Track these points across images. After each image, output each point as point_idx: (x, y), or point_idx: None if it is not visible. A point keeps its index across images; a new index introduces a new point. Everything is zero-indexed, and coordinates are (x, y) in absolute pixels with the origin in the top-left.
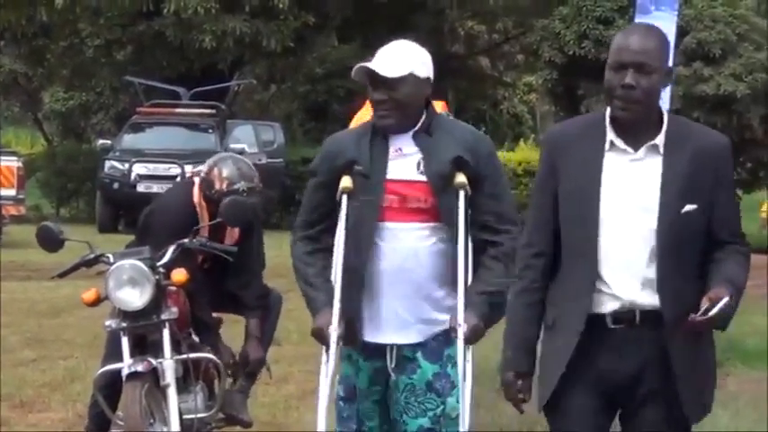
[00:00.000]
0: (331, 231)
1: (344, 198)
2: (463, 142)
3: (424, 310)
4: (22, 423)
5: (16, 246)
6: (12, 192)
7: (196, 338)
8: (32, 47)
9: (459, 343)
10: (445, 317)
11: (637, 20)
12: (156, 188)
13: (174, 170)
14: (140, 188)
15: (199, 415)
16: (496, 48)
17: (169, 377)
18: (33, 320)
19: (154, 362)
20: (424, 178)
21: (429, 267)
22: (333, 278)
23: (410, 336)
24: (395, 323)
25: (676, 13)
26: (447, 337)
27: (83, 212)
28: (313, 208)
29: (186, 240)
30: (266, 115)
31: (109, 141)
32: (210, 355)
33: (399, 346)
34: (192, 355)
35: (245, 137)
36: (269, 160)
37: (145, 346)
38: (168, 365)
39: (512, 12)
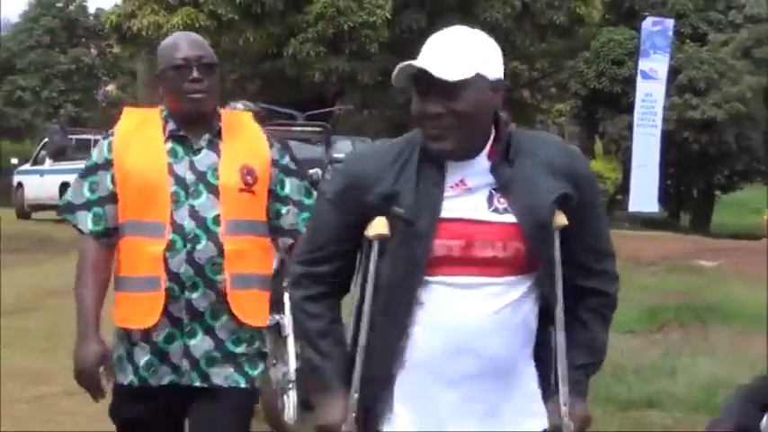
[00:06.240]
0: (346, 271)
1: (376, 246)
2: (558, 165)
3: (497, 399)
4: None
5: None
6: None
7: None
8: None
9: None
10: (529, 405)
11: (640, 61)
12: None
13: None
14: None
15: None
16: (535, 83)
17: (288, 329)
18: None
19: (277, 317)
20: (505, 219)
21: (506, 337)
22: (349, 340)
23: None
24: (452, 419)
25: (668, 56)
26: None
27: None
28: (323, 243)
29: None
30: (361, 133)
31: None
32: None
33: None
34: None
35: (344, 148)
36: None
37: (270, 304)
38: (288, 320)
39: (547, 55)
